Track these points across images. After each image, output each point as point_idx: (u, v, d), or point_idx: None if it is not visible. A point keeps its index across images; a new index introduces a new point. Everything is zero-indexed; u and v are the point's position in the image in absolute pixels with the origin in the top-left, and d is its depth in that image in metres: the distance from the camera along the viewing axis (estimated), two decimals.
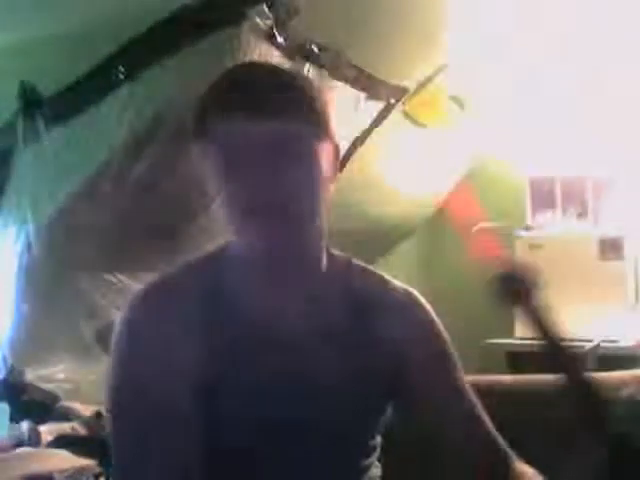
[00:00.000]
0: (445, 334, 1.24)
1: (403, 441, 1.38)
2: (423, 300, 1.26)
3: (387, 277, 1.26)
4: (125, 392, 1.06)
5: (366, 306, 1.17)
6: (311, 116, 1.09)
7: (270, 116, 1.04)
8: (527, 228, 3.81)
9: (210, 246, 1.24)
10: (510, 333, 3.68)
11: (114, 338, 1.09)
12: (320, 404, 1.10)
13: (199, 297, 1.10)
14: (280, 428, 1.10)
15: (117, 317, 1.11)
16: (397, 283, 1.26)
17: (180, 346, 1.05)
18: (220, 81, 1.12)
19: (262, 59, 2.98)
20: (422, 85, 3.36)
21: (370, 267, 1.26)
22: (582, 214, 3.72)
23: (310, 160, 1.08)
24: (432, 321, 1.24)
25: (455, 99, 3.54)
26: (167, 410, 1.02)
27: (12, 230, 3.17)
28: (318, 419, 1.11)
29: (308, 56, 3.06)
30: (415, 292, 1.26)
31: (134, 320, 1.09)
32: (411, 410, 1.24)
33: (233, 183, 1.05)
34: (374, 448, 1.24)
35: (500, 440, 1.27)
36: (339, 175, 1.20)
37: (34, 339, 3.06)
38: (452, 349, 1.24)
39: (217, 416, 1.06)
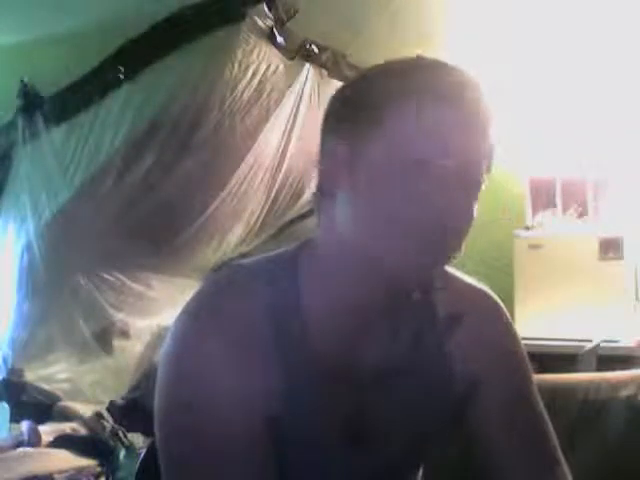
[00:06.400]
0: (522, 348, 1.09)
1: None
2: (503, 309, 1.10)
3: (465, 281, 1.09)
4: (194, 435, 0.90)
5: (444, 331, 1.03)
6: (493, 144, 0.93)
7: (483, 140, 0.90)
8: (527, 228, 3.81)
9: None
10: None
11: (169, 367, 0.92)
12: (391, 444, 1.00)
13: (271, 319, 0.93)
14: (347, 464, 0.98)
15: (170, 336, 0.93)
16: (475, 289, 1.10)
17: (252, 379, 0.90)
18: (430, 77, 0.96)
19: (262, 59, 2.99)
20: None
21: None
22: (582, 214, 3.72)
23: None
24: (511, 336, 1.09)
25: None
26: (240, 451, 0.90)
27: (12, 230, 3.17)
28: (387, 456, 1.00)
29: (308, 56, 3.06)
30: (492, 296, 1.10)
31: (199, 351, 0.91)
32: (468, 440, 1.06)
33: (424, 200, 0.88)
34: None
35: None
36: None
37: (34, 339, 3.06)
38: (529, 367, 1.08)
39: (283, 456, 0.94)
